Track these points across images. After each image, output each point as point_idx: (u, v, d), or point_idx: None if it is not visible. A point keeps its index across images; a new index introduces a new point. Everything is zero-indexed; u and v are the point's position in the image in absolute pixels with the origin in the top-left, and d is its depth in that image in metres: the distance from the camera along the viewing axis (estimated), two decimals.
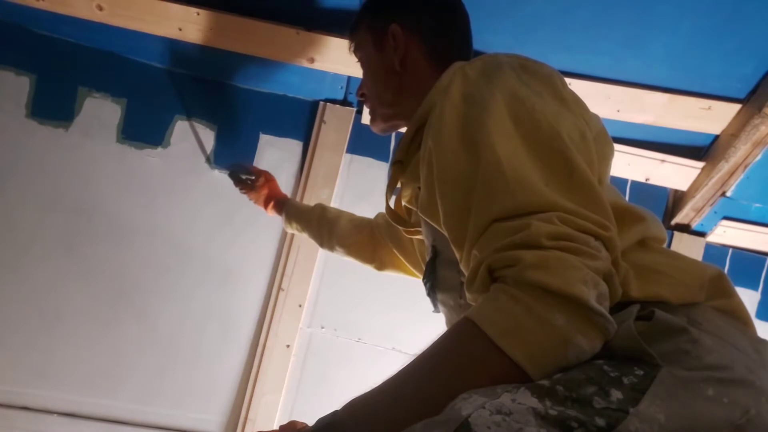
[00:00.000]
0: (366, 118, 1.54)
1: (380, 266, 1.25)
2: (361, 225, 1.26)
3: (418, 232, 0.95)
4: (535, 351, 0.49)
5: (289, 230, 1.42)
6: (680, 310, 0.56)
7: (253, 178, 1.46)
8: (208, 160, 1.56)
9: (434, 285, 0.86)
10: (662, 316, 0.53)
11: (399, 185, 0.88)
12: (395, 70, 0.89)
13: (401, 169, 0.82)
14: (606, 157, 0.72)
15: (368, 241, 1.23)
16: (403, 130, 0.86)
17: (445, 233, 0.64)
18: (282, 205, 1.42)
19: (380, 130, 1.00)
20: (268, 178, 1.46)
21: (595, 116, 0.72)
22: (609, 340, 0.51)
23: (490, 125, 0.60)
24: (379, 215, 1.24)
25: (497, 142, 0.58)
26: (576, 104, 0.68)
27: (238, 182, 1.48)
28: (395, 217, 0.93)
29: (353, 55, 1.02)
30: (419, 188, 0.72)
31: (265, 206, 1.45)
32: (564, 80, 0.70)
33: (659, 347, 0.50)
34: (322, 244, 1.32)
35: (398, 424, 0.50)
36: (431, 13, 0.90)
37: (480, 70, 0.68)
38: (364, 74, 0.98)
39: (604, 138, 0.72)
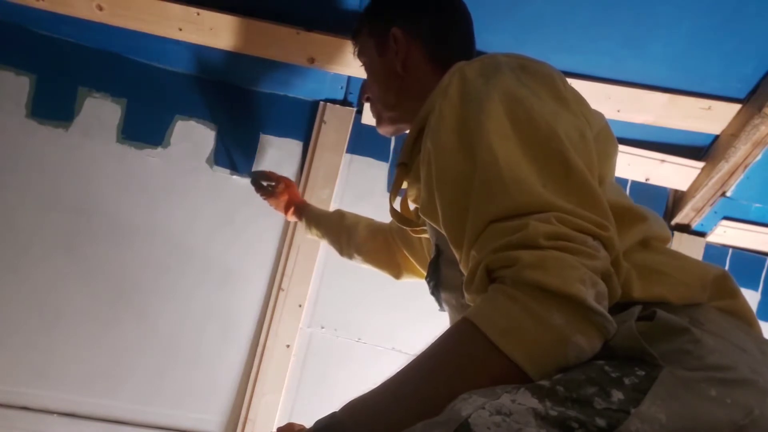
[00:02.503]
0: (366, 118, 1.54)
1: (397, 273, 1.24)
2: (377, 230, 1.26)
3: (425, 231, 0.96)
4: (534, 351, 0.49)
5: (309, 236, 1.43)
6: (683, 311, 0.56)
7: (274, 184, 1.47)
8: (234, 168, 1.57)
9: (438, 284, 0.87)
10: (664, 316, 0.52)
11: (405, 186, 0.88)
12: (398, 73, 0.89)
13: (406, 170, 0.82)
14: (609, 155, 0.71)
15: (384, 247, 1.23)
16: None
17: (444, 234, 0.64)
18: (302, 210, 1.42)
19: (387, 133, 1.00)
20: (287, 184, 1.46)
21: (598, 114, 0.72)
22: (610, 340, 0.51)
23: (487, 126, 0.60)
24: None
25: (494, 143, 0.58)
26: (577, 103, 0.68)
27: (259, 189, 1.49)
28: (400, 218, 0.93)
29: (357, 59, 1.02)
30: None
31: (286, 212, 1.45)
32: (564, 79, 0.70)
33: (661, 347, 0.50)
34: (341, 252, 1.33)
35: (398, 424, 0.50)
36: (432, 15, 0.90)
37: (478, 71, 0.68)
38: (368, 78, 0.99)
39: (606, 135, 0.71)
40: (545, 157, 0.58)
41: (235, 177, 1.57)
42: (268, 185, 1.48)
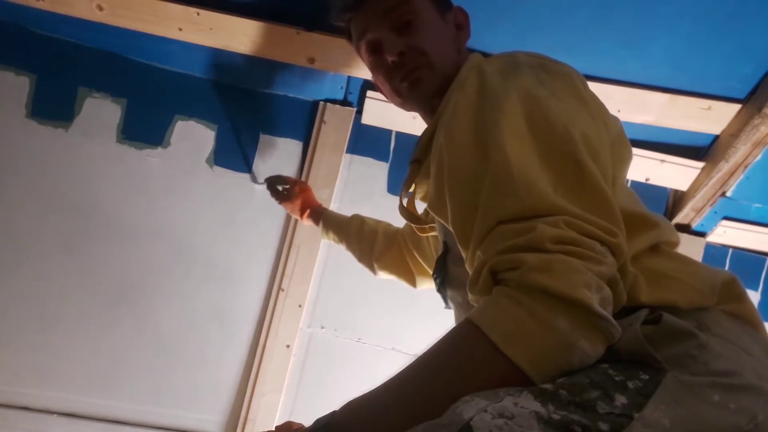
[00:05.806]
0: (366, 118, 1.53)
1: (412, 280, 1.22)
2: (392, 238, 1.24)
3: (433, 230, 0.95)
4: (538, 355, 0.49)
5: (326, 240, 1.41)
6: (690, 315, 0.56)
7: (288, 187, 1.46)
8: (252, 176, 1.57)
9: (444, 281, 0.86)
10: (670, 320, 0.52)
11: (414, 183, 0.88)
12: (454, 45, 0.86)
13: (419, 167, 0.81)
14: (623, 160, 0.70)
15: (398, 255, 1.22)
16: (410, 127, 0.86)
17: (452, 231, 0.64)
18: (318, 214, 1.41)
19: (406, 99, 0.85)
20: (303, 188, 1.45)
21: (614, 118, 0.71)
22: (614, 343, 0.51)
23: (503, 124, 0.59)
24: (406, 224, 1.18)
25: (508, 142, 0.58)
26: (595, 105, 0.67)
27: (275, 193, 1.48)
28: (409, 215, 0.92)
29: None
30: None
31: (301, 215, 1.44)
32: (584, 80, 0.69)
33: (666, 351, 0.50)
34: (360, 260, 1.30)
35: (398, 426, 0.50)
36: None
37: (497, 69, 0.67)
38: (418, 32, 0.81)
39: (622, 140, 0.70)
40: (559, 159, 0.57)
41: (239, 179, 1.56)
42: (283, 189, 1.46)
